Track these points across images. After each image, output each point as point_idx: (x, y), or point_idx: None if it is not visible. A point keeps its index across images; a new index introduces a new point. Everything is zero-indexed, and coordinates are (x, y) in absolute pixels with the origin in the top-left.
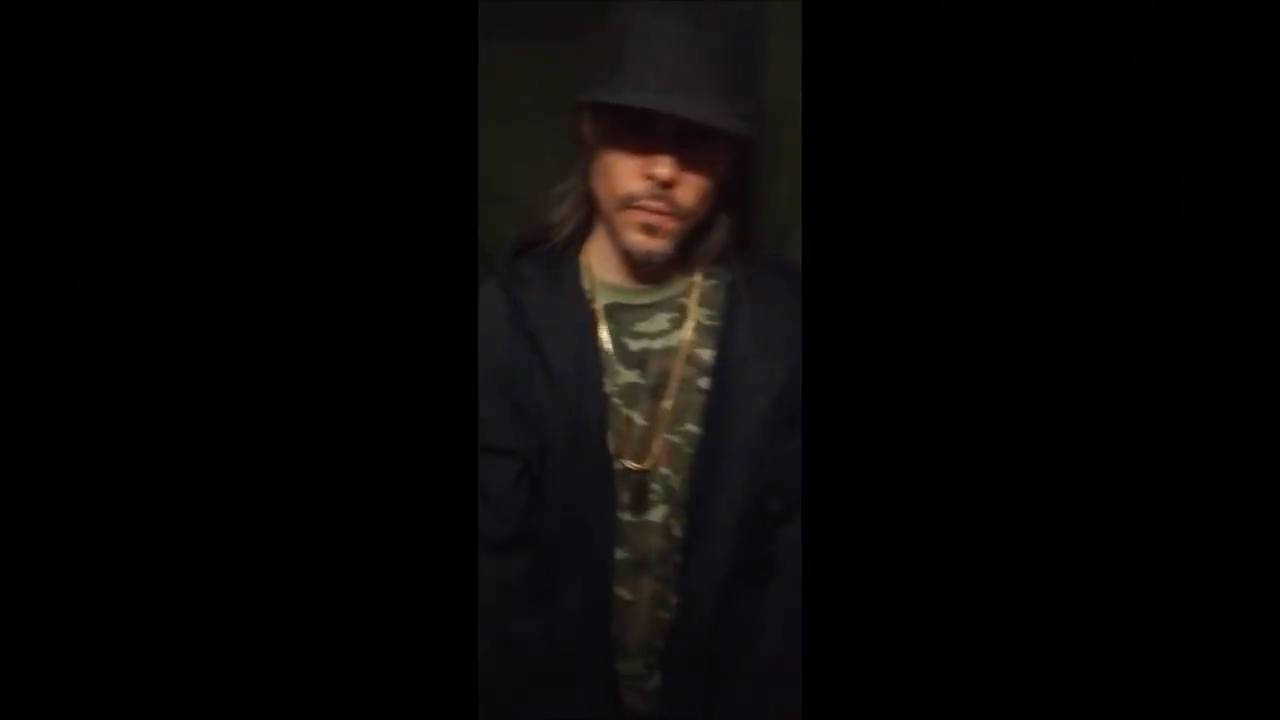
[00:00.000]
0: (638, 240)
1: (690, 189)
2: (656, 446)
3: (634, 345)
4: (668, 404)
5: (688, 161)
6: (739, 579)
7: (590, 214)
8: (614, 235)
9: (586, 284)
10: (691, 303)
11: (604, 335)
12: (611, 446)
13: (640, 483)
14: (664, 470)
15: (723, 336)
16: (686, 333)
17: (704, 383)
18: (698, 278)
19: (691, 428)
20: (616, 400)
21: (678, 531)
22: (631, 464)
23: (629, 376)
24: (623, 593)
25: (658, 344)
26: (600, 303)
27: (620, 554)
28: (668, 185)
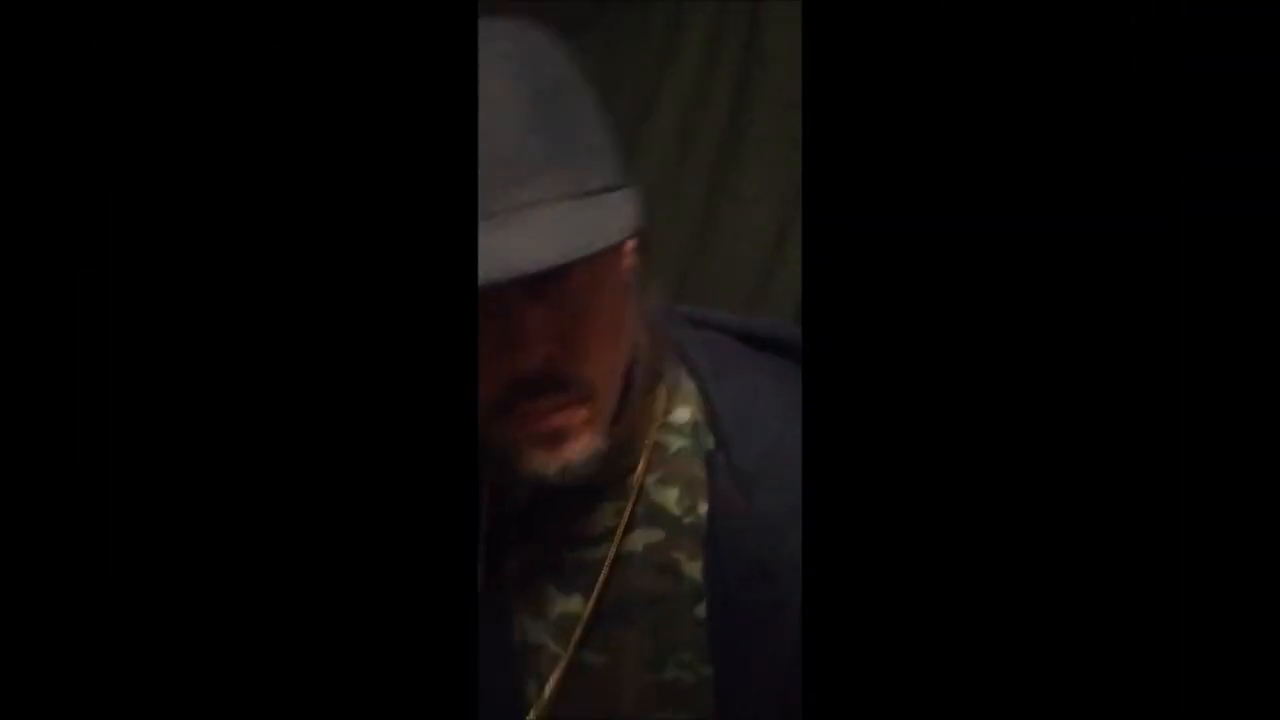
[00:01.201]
0: (544, 461)
1: (589, 353)
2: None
3: (569, 556)
4: (644, 640)
5: (562, 311)
6: None
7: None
8: (515, 459)
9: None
10: (648, 484)
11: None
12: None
13: None
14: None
15: (710, 539)
16: (651, 534)
17: (699, 610)
18: (650, 441)
19: (700, 667)
20: (543, 644)
21: None
22: None
23: (568, 605)
24: None
25: (601, 551)
26: (512, 505)
27: None
28: (551, 373)
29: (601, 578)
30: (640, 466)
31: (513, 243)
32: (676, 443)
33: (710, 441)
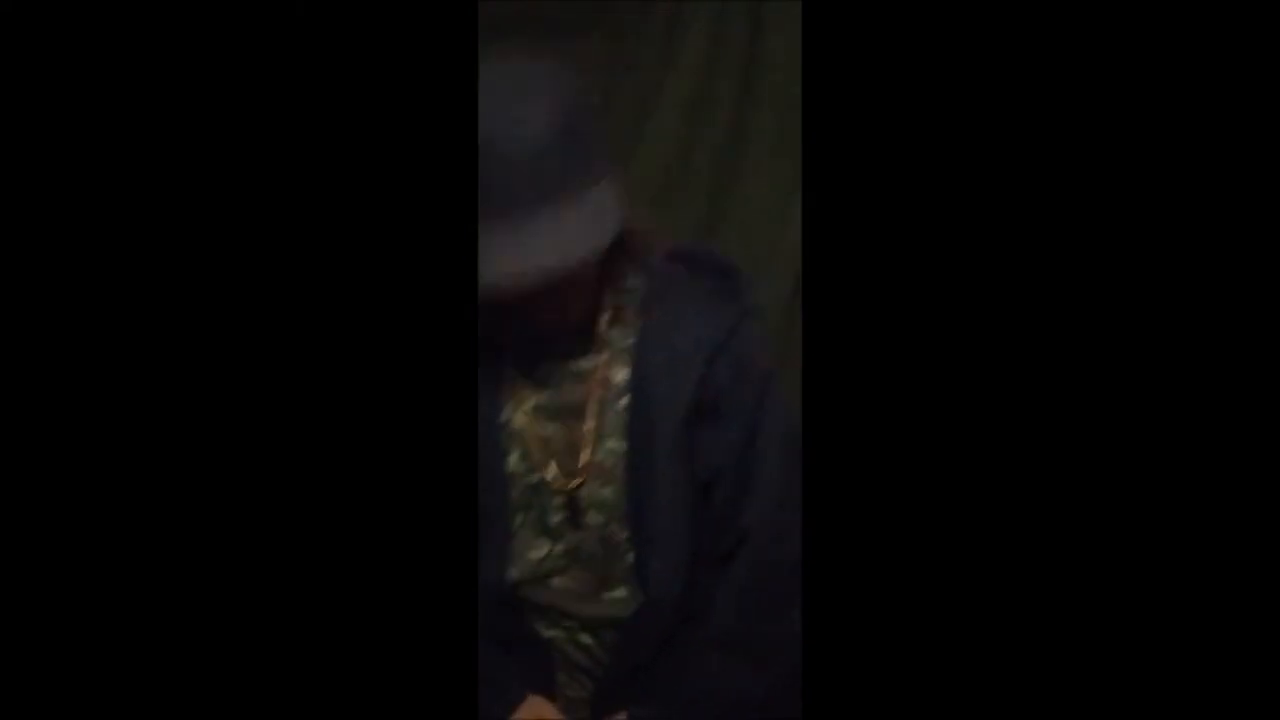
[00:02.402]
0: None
1: (566, 302)
2: (584, 462)
3: (552, 368)
4: (589, 424)
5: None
6: (697, 566)
7: None
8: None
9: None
10: (602, 328)
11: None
12: (522, 467)
13: (572, 499)
14: (594, 483)
15: (636, 354)
16: (601, 357)
17: (623, 402)
18: (607, 301)
19: (615, 444)
20: (520, 424)
21: (619, 536)
22: (559, 481)
23: (536, 399)
24: (564, 583)
25: (568, 366)
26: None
27: (557, 549)
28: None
29: (566, 386)
30: (596, 317)
31: (526, 260)
32: (621, 301)
33: (644, 301)
